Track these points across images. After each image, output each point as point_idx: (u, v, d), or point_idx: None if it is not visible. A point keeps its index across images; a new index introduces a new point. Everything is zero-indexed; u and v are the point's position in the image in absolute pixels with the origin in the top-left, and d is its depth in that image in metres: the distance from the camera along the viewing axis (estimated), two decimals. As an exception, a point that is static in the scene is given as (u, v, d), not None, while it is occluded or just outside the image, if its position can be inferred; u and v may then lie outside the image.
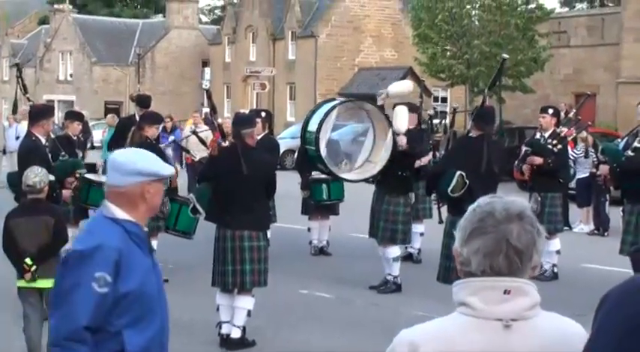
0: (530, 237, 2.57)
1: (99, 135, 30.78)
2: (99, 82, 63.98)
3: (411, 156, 11.29)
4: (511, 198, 2.66)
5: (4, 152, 24.50)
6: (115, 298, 3.86)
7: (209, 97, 10.51)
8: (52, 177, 8.33)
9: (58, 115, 53.50)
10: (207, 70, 61.54)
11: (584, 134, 17.09)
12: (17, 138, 24.03)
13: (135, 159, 4.07)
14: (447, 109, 48.36)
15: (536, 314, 2.58)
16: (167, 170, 4.13)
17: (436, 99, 47.18)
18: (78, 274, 3.84)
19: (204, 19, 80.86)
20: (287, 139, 36.72)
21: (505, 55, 10.96)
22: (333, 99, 11.94)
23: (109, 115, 27.80)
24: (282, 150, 30.90)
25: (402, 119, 11.14)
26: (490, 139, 9.47)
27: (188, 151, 12.06)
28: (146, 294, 3.97)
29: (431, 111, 14.84)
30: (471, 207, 2.63)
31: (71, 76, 66.00)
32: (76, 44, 64.93)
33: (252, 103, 51.85)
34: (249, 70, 48.03)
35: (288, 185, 15.22)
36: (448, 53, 36.11)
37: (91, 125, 46.75)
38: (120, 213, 3.97)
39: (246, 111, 15.35)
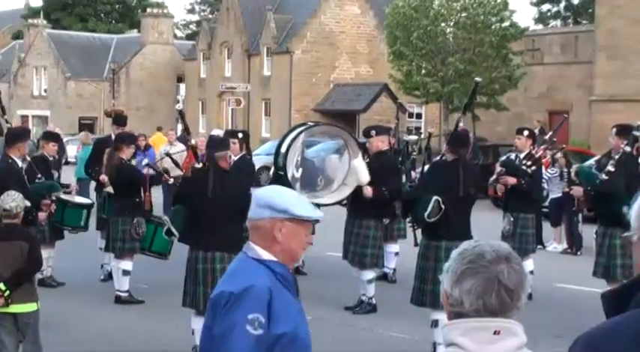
0: (518, 277, 2.64)
1: (73, 151, 30.66)
2: (73, 97, 63.78)
3: (384, 200, 11.33)
4: (495, 242, 2.72)
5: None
6: (269, 341, 3.68)
7: (182, 117, 10.55)
8: (27, 203, 8.31)
9: (33, 131, 53.45)
10: (181, 89, 61.46)
11: (558, 155, 17.25)
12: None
13: (271, 193, 3.92)
14: (422, 125, 48.71)
15: None
16: (308, 212, 3.86)
17: (411, 115, 47.40)
18: (232, 317, 3.67)
19: (179, 33, 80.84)
20: (262, 156, 36.68)
21: (478, 79, 11.08)
22: (305, 124, 12.01)
23: (83, 133, 27.77)
24: (257, 166, 30.98)
25: (361, 171, 11.18)
26: (465, 162, 9.53)
27: (162, 174, 12.09)
28: (299, 338, 3.78)
29: (406, 136, 14.86)
30: (456, 251, 2.69)
31: (45, 91, 65.77)
32: (50, 59, 64.74)
33: (228, 119, 51.89)
34: (225, 85, 48.02)
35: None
36: (423, 70, 36.31)
37: (65, 141, 46.81)
38: (264, 254, 3.82)
39: (222, 132, 15.31)
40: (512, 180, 12.24)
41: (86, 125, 62.73)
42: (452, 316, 2.65)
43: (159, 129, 39.31)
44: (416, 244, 9.99)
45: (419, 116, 48.63)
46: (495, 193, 12.97)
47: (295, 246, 3.85)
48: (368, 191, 11.18)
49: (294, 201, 3.87)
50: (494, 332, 2.58)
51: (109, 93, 59.64)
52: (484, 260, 2.61)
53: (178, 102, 41.12)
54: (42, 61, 65.34)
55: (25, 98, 66.16)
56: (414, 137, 17.18)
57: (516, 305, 2.63)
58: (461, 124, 9.96)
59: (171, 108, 61.68)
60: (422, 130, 37.85)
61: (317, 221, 12.50)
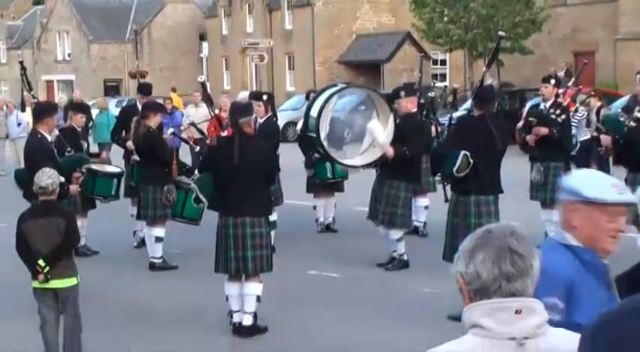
0: (528, 246, 2.71)
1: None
2: (97, 60, 63.96)
3: (405, 159, 11.31)
4: (501, 222, 2.82)
5: (7, 137, 24.65)
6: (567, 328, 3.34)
7: (204, 89, 10.56)
8: (62, 179, 8.41)
9: (58, 95, 53.67)
10: (203, 47, 61.27)
11: (584, 98, 17.13)
12: (19, 124, 24.18)
13: (574, 176, 3.69)
14: (447, 72, 48.48)
15: (545, 331, 2.70)
16: (604, 195, 3.48)
17: (435, 62, 47.18)
18: None
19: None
20: (288, 111, 36.77)
21: (502, 33, 11.03)
22: (335, 85, 11.99)
23: (100, 98, 27.85)
24: (283, 123, 31.04)
25: (380, 133, 11.16)
26: (492, 117, 9.53)
27: (187, 142, 12.12)
28: None
29: (431, 93, 14.77)
30: (468, 237, 2.76)
31: (69, 55, 65.98)
32: (72, 23, 64.85)
33: (252, 75, 51.81)
34: (247, 42, 47.93)
35: (291, 159, 15.33)
36: (445, 17, 36.04)
37: (91, 104, 47.04)
38: (570, 239, 3.58)
39: (247, 94, 15.32)
40: (544, 131, 12.21)
41: (111, 87, 63.03)
42: (471, 295, 2.71)
43: (173, 89, 39.46)
44: (446, 200, 10.04)
45: (443, 63, 48.38)
46: (525, 142, 12.93)
47: (593, 232, 3.54)
48: (389, 151, 11.19)
49: (590, 183, 3.55)
50: (516, 312, 2.65)
51: (132, 54, 59.72)
52: (491, 234, 2.72)
53: (202, 76, 41.05)
54: (64, 26, 65.46)
55: (49, 63, 66.39)
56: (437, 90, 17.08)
57: (531, 273, 2.69)
58: (487, 80, 9.94)
59: (194, 67, 61.78)
60: (446, 82, 37.50)
61: (345, 178, 12.37)
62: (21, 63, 13.87)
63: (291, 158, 15.64)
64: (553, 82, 12.77)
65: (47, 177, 7.96)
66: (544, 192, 12.57)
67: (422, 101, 13.75)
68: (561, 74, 32.90)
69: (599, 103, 18.04)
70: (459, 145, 9.35)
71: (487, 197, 9.55)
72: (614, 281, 3.56)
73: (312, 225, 14.72)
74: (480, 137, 9.32)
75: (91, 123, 20.78)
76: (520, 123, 12.67)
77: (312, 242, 13.99)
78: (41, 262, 7.80)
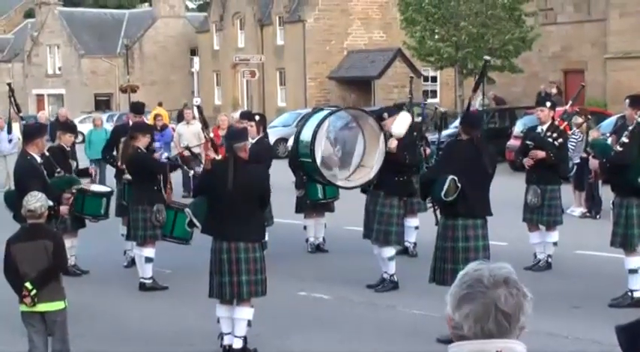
0: (516, 301, 2.70)
1: (91, 126, 30.58)
2: (88, 74, 63.92)
3: (402, 164, 11.43)
4: (498, 264, 2.80)
5: (-2, 153, 24.63)
6: None
7: (200, 113, 10.63)
8: (50, 203, 8.44)
9: (49, 109, 53.65)
10: (195, 62, 61.24)
11: (579, 120, 17.25)
12: (10, 141, 24.17)
13: None
14: (437, 89, 48.62)
15: None
16: None
17: (426, 78, 47.32)
18: None
19: (190, 5, 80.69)
20: (278, 128, 36.82)
21: (487, 57, 11.13)
22: (322, 109, 12.06)
23: (96, 115, 27.84)
24: (274, 139, 31.11)
25: (403, 124, 11.30)
26: (479, 142, 9.59)
27: (182, 167, 12.16)
28: None
29: (418, 118, 14.84)
30: (461, 273, 2.77)
31: (60, 69, 65.90)
32: (63, 37, 64.82)
33: (243, 90, 51.93)
34: (238, 57, 48.05)
35: (281, 177, 15.32)
36: (436, 36, 36.16)
37: (80, 119, 46.96)
38: None
39: (238, 113, 15.37)
40: (541, 154, 12.30)
41: (102, 102, 62.99)
42: (456, 338, 2.75)
43: (159, 104, 39.52)
44: (437, 223, 10.09)
45: (434, 79, 48.54)
46: (522, 165, 13.00)
47: None
48: (393, 143, 11.26)
49: None
50: None
51: (124, 68, 59.68)
52: (482, 285, 2.69)
53: (198, 99, 41.00)
54: (55, 40, 65.43)
55: (40, 77, 66.33)
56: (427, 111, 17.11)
57: (516, 328, 2.71)
58: (476, 103, 10.00)
59: (185, 82, 61.82)
60: (437, 99, 37.58)
61: (336, 198, 12.42)
62: (9, 84, 13.89)
63: (281, 176, 15.67)
64: (549, 104, 12.87)
65: (36, 200, 7.99)
66: (540, 215, 12.66)
67: (416, 120, 13.84)
68: (554, 91, 33.12)
69: (580, 120, 18.11)
70: (447, 169, 9.42)
71: (475, 220, 9.61)
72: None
73: (302, 245, 14.74)
74: (467, 161, 9.39)
75: (81, 139, 20.83)
76: (511, 141, 12.78)
77: (303, 262, 14.00)
78: (28, 285, 7.82)
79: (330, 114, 11.30)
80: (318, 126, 10.72)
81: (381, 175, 11.35)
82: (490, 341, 2.68)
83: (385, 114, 11.82)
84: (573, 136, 17.78)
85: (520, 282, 2.77)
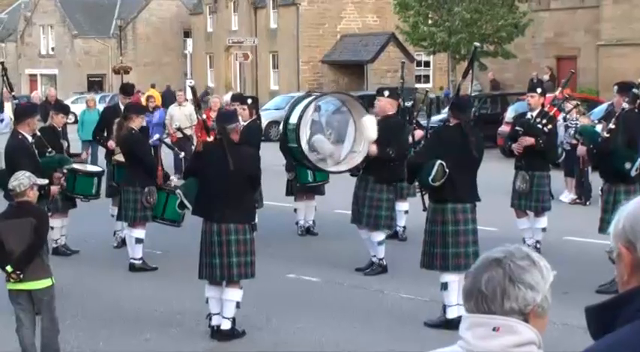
0: (498, 284, 2.66)
1: (83, 107, 30.59)
2: (81, 55, 63.76)
3: (390, 160, 11.44)
4: (517, 245, 2.78)
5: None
6: None
7: (194, 95, 10.67)
8: (40, 181, 8.47)
9: (41, 89, 53.50)
10: (188, 44, 61.19)
11: (569, 107, 17.26)
12: (1, 120, 24.12)
13: None
14: (430, 73, 48.65)
15: None
16: None
17: (419, 63, 47.33)
18: None
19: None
20: (271, 110, 36.81)
21: (477, 44, 11.15)
22: (310, 95, 12.09)
23: (90, 96, 27.83)
24: (266, 122, 31.16)
25: (371, 127, 11.27)
26: (468, 126, 9.62)
27: (173, 148, 12.20)
28: None
29: (408, 102, 14.83)
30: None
31: (53, 49, 65.72)
32: (56, 17, 64.62)
33: (236, 73, 51.86)
34: (232, 40, 47.98)
35: (272, 160, 15.31)
36: (429, 21, 36.16)
37: (73, 99, 46.84)
38: None
39: (229, 96, 15.41)
40: (529, 140, 12.28)
41: (95, 82, 62.88)
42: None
43: (152, 86, 39.50)
44: (424, 209, 10.10)
45: (427, 64, 48.55)
46: (510, 150, 13.03)
47: None
48: (372, 149, 11.30)
49: None
50: (493, 329, 2.65)
51: (117, 50, 59.59)
52: (476, 265, 2.72)
53: (191, 81, 40.89)
54: (48, 20, 65.22)
55: (33, 57, 66.16)
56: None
57: (500, 311, 2.69)
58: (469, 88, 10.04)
59: (178, 63, 61.73)
60: (430, 84, 37.61)
61: (326, 181, 12.45)
62: (2, 63, 13.88)
63: (271, 158, 15.69)
64: (539, 90, 12.87)
65: (14, 179, 8.08)
66: (529, 201, 12.68)
67: (406, 104, 13.86)
68: (546, 77, 33.19)
69: (569, 106, 18.11)
70: (434, 154, 9.42)
71: (464, 205, 9.61)
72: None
73: (292, 227, 14.79)
74: (456, 146, 9.38)
75: (73, 119, 20.80)
76: (502, 127, 12.80)
77: (292, 244, 14.05)
78: (8, 268, 7.89)
79: (315, 99, 11.33)
80: (303, 111, 10.76)
81: (371, 161, 11.39)
82: (490, 317, 2.67)
83: (386, 92, 11.84)
84: (572, 121, 17.76)
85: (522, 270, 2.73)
